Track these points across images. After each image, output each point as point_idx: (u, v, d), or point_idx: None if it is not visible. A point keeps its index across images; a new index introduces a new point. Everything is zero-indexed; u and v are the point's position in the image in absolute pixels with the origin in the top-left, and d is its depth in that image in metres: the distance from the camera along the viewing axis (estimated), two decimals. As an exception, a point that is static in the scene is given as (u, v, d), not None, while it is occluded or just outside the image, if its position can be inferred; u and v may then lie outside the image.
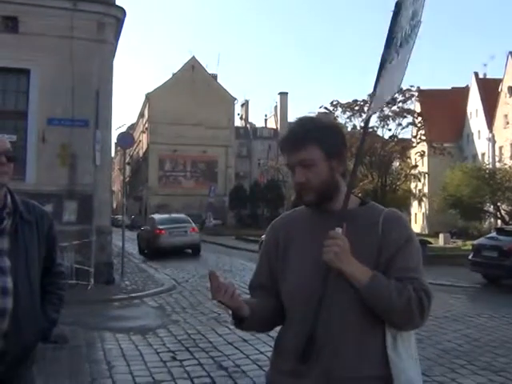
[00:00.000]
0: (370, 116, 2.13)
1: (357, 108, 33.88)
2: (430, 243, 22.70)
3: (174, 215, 22.51)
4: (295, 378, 1.75)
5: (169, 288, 12.04)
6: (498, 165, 39.08)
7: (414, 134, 37.26)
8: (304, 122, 1.88)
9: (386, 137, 35.08)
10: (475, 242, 16.15)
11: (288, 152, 1.83)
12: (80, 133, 11.92)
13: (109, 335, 7.58)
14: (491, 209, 33.47)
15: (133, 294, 11.09)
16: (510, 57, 46.63)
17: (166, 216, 20.69)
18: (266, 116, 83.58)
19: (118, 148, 46.54)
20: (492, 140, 48.06)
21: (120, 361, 6.22)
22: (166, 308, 9.81)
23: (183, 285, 12.77)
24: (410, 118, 36.06)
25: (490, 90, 48.39)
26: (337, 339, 1.73)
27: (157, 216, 20.20)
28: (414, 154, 39.91)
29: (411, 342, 1.81)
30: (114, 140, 16.15)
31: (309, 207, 1.88)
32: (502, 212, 32.07)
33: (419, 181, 41.38)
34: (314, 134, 1.79)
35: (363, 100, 33.46)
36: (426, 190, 46.62)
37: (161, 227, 18.63)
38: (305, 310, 1.75)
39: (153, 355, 6.48)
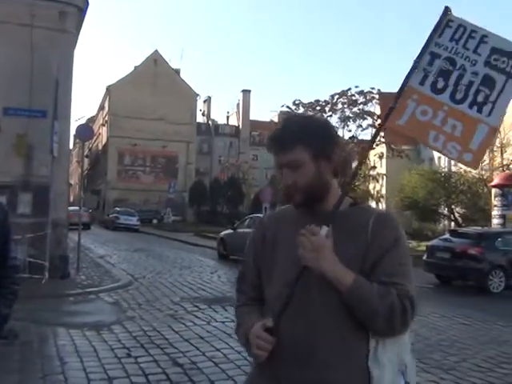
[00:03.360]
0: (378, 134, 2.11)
1: (318, 108, 34.17)
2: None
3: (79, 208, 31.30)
4: (276, 382, 1.71)
5: (125, 284, 11.90)
6: (453, 169, 40.04)
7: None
8: (291, 121, 1.81)
9: (346, 137, 35.53)
10: (429, 243, 16.55)
11: (275, 153, 1.78)
12: (37, 123, 11.66)
13: (62, 331, 7.44)
14: (446, 211, 34.30)
15: (88, 289, 10.91)
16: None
17: (75, 207, 27.48)
18: (228, 113, 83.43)
19: (77, 140, 45.71)
20: (448, 144, 49.16)
21: (73, 357, 6.12)
22: (121, 304, 9.69)
23: (140, 281, 12.65)
24: (370, 120, 36.60)
25: (448, 95, 49.45)
26: (317, 343, 1.68)
27: (70, 207, 25.68)
28: (372, 156, 40.51)
29: (400, 348, 1.74)
30: (72, 132, 15.87)
31: (297, 208, 1.82)
32: (456, 215, 32.90)
33: (377, 182, 41.99)
34: (301, 135, 1.73)
35: (325, 100, 33.81)
36: (383, 191, 47.42)
37: (71, 213, 23.12)
38: (284, 313, 1.69)
39: (107, 351, 6.40)
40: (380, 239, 1.71)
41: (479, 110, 1.82)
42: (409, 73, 1.88)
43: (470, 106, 1.83)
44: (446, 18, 1.90)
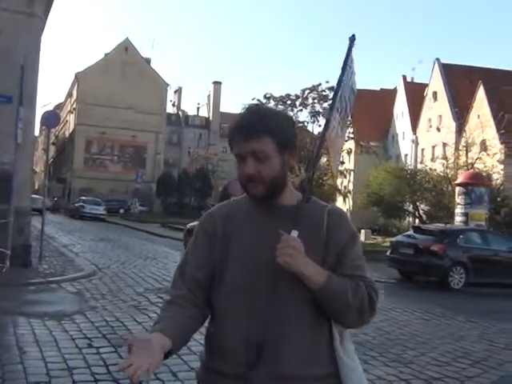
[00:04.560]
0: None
1: (289, 102, 34.31)
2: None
3: (36, 196, 30.21)
4: (241, 381, 1.65)
5: (89, 273, 11.76)
6: (419, 166, 40.69)
7: (343, 132, 38.11)
8: (257, 110, 1.79)
9: (316, 132, 35.76)
10: (393, 239, 16.81)
11: (239, 141, 1.71)
12: (2, 109, 11.37)
13: (22, 320, 7.31)
14: (410, 208, 34.84)
15: (50, 279, 10.74)
16: (436, 63, 48.58)
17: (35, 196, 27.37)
18: (198, 104, 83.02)
19: (43, 127, 44.83)
20: (415, 142, 50.00)
21: (33, 347, 6.03)
22: (84, 294, 9.58)
23: (104, 271, 12.51)
24: (339, 116, 36.92)
25: (416, 93, 50.27)
26: (286, 341, 1.67)
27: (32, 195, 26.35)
28: (341, 151, 40.84)
29: (349, 336, 1.81)
30: (38, 118, 15.56)
31: (254, 201, 1.75)
32: (420, 211, 33.46)
33: (345, 177, 42.42)
34: (269, 125, 1.70)
35: (296, 95, 33.94)
36: (351, 186, 47.92)
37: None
38: (246, 311, 1.67)
39: (68, 341, 6.32)
40: (338, 235, 1.75)
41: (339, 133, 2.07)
42: (336, 90, 1.96)
43: (339, 129, 2.05)
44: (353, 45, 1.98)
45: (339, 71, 1.94)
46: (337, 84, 1.94)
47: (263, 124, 1.69)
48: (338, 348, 1.72)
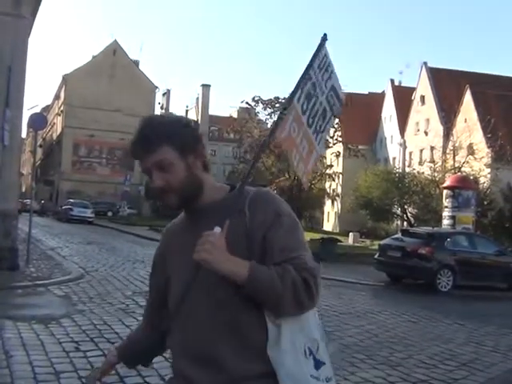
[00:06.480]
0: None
1: (278, 105, 34.37)
2: (340, 241, 23.45)
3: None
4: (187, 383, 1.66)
5: (76, 277, 11.68)
6: (407, 169, 40.94)
7: (331, 135, 38.36)
8: (150, 121, 1.73)
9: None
10: (381, 242, 16.88)
11: (141, 156, 1.68)
12: (-12, 111, 11.30)
13: (9, 323, 7.24)
14: (399, 211, 35.02)
15: (37, 282, 10.65)
16: (423, 67, 48.92)
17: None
18: (187, 107, 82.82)
19: (30, 129, 44.55)
20: (403, 145, 50.29)
21: (19, 350, 5.97)
22: (72, 297, 9.51)
23: (92, 274, 12.43)
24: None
25: (403, 97, 50.62)
26: (214, 341, 1.61)
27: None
28: (329, 154, 41.08)
29: (305, 328, 1.65)
30: (25, 121, 15.45)
31: (176, 210, 1.78)
32: (409, 214, 33.63)
33: (333, 180, 42.56)
34: (163, 133, 1.66)
35: (284, 98, 33.98)
36: (339, 189, 48.07)
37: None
38: (182, 324, 1.69)
39: (55, 345, 6.27)
40: (258, 218, 1.64)
41: (316, 138, 1.98)
42: (295, 88, 1.88)
43: (313, 132, 1.96)
44: (324, 44, 1.93)
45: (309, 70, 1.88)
46: (297, 85, 1.87)
47: (158, 133, 1.66)
48: (268, 342, 1.60)
